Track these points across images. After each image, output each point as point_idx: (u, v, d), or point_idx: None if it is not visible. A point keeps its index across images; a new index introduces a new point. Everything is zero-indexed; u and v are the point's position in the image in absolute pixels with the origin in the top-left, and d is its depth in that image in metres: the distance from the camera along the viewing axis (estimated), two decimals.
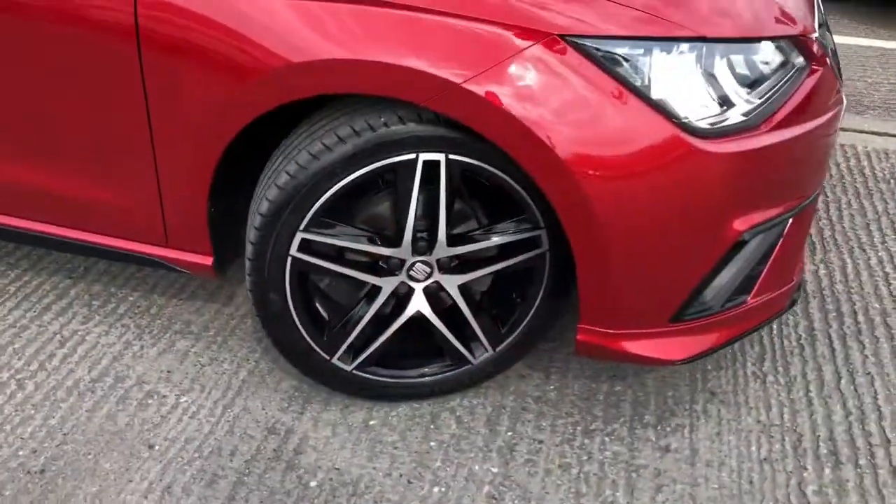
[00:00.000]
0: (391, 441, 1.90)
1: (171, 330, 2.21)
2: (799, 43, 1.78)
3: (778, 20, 1.76)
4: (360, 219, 1.83)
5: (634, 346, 1.80)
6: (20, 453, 1.84)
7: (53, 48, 1.76)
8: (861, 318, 2.34)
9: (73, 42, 1.74)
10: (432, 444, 1.90)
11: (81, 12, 1.71)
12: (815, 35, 1.84)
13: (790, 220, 1.86)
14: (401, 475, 1.82)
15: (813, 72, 1.81)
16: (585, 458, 1.88)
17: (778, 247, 1.87)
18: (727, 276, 1.81)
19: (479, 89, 1.55)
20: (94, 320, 2.23)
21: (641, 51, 1.59)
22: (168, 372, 2.08)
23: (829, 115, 1.85)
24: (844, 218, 2.80)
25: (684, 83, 1.63)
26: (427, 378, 1.96)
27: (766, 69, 1.74)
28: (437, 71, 1.56)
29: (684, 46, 1.62)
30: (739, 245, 1.74)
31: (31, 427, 1.90)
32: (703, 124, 1.64)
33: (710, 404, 2.04)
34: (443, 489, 1.79)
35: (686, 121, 1.61)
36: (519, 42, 1.55)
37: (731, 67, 1.70)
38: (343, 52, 1.59)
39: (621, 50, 1.58)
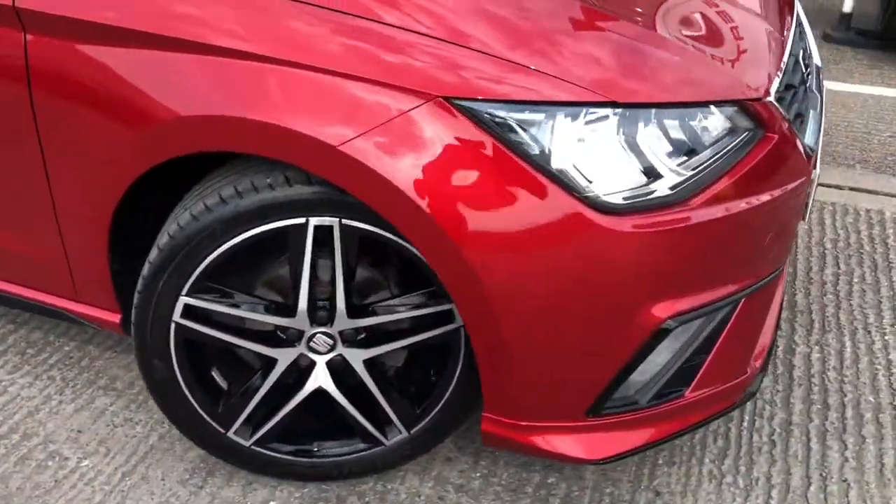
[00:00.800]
0: None
1: (96, 385, 2.11)
2: (749, 108, 1.58)
3: (720, 83, 1.57)
4: (261, 284, 1.71)
5: (546, 441, 1.61)
6: None
7: None
8: (850, 412, 2.08)
9: None
10: None
11: None
12: (770, 99, 1.63)
13: (740, 304, 1.65)
14: None
15: (766, 140, 1.61)
16: None
17: (724, 334, 1.65)
18: (654, 367, 1.60)
19: (356, 152, 1.41)
20: (23, 370, 2.16)
21: (542, 116, 1.42)
22: (78, 432, 1.98)
23: (786, 188, 1.64)
24: (854, 294, 2.53)
25: (595, 153, 1.45)
26: (336, 458, 1.80)
27: (705, 137, 1.55)
28: (313, 132, 1.42)
29: (597, 113, 1.45)
30: (662, 333, 1.53)
31: None
32: (617, 198, 1.45)
33: None
34: None
35: (591, 195, 1.43)
36: (402, 104, 1.40)
37: (662, 134, 1.51)
38: (218, 108, 1.48)
39: (517, 115, 1.41)
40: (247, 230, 1.56)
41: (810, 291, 2.53)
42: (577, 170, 1.43)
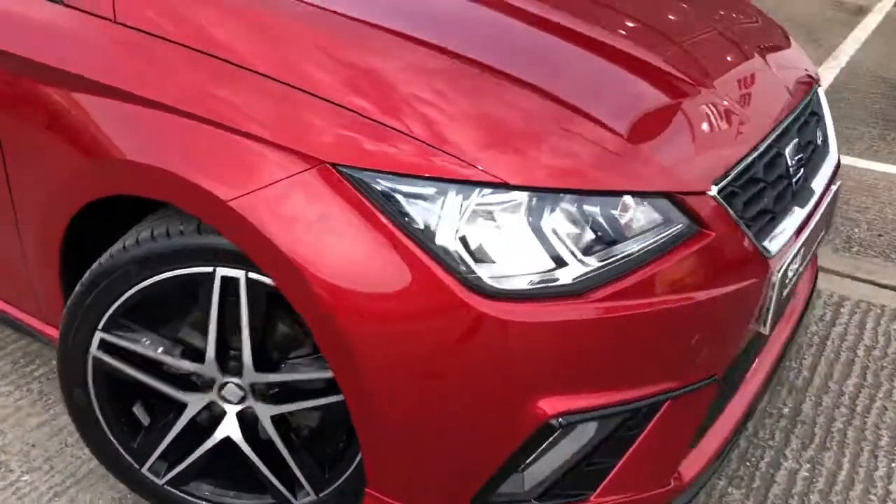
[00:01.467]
0: None
1: None
2: (679, 201, 1.48)
3: (643, 173, 1.47)
4: (185, 328, 1.73)
5: None
6: None
7: None
8: None
9: None
10: None
11: None
12: (712, 194, 1.52)
13: (662, 409, 1.53)
14: None
15: (701, 236, 1.50)
16: None
17: (640, 439, 1.54)
18: (549, 465, 1.50)
19: (244, 209, 1.41)
20: (9, 379, 2.28)
21: (432, 191, 1.38)
22: (32, 446, 2.06)
23: (720, 289, 1.51)
24: (873, 411, 2.29)
25: (489, 235, 1.39)
26: None
27: (626, 227, 1.45)
28: (209, 185, 1.44)
29: (494, 194, 1.38)
30: (549, 430, 1.44)
31: None
32: (507, 283, 1.38)
33: None
34: None
35: (471, 276, 1.37)
36: (291, 166, 1.40)
37: (574, 222, 1.43)
38: (127, 153, 1.53)
39: (406, 188, 1.38)
40: (159, 273, 1.58)
41: (822, 401, 2.31)
42: (463, 250, 1.37)
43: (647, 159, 1.49)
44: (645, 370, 1.49)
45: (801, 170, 1.87)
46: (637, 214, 1.47)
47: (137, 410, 1.79)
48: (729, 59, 1.95)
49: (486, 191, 1.38)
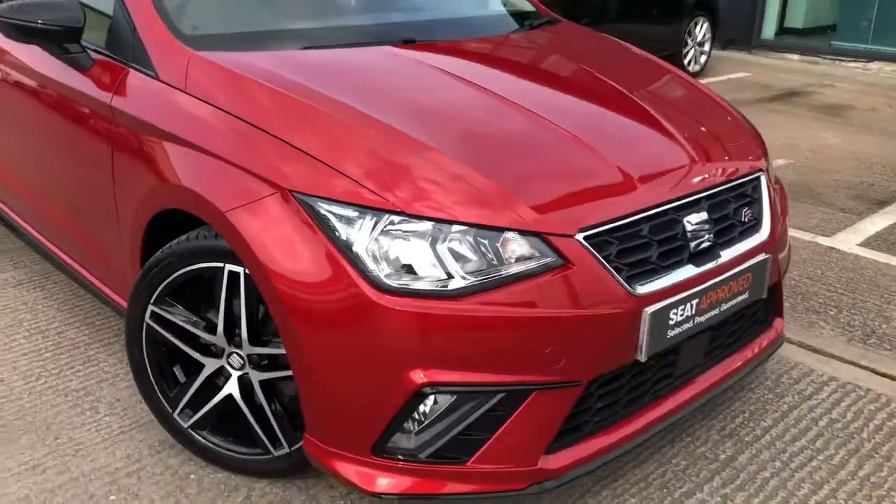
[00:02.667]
0: (188, 494, 2.34)
1: None
2: (546, 240, 1.97)
3: (522, 216, 1.97)
4: (210, 308, 2.37)
5: (339, 466, 2.05)
6: None
7: (76, 146, 2.66)
8: None
9: (82, 142, 2.62)
10: None
11: (81, 121, 2.60)
12: (579, 238, 1.99)
13: (528, 399, 1.98)
14: None
15: (564, 268, 1.96)
16: None
17: (510, 420, 1.98)
18: (431, 429, 1.98)
19: (234, 219, 2.05)
20: (118, 355, 3.02)
21: (355, 214, 1.95)
22: (118, 399, 2.77)
23: (574, 312, 1.96)
24: (806, 469, 2.52)
25: (394, 248, 1.94)
26: (240, 455, 2.37)
27: (505, 254, 1.96)
28: (218, 202, 2.10)
29: (406, 224, 1.94)
30: (421, 397, 1.93)
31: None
32: (408, 285, 1.91)
33: None
34: None
35: (373, 276, 1.91)
36: (264, 190, 2.03)
37: (463, 245, 1.95)
38: (182, 180, 2.23)
39: (337, 210, 1.96)
40: (190, 265, 2.25)
41: (760, 455, 2.58)
42: (370, 257, 1.93)
43: (526, 207, 1.99)
44: (509, 361, 1.95)
45: (706, 236, 2.26)
46: (515, 247, 1.97)
47: (177, 371, 2.44)
48: (646, 138, 2.41)
49: (396, 218, 1.94)
